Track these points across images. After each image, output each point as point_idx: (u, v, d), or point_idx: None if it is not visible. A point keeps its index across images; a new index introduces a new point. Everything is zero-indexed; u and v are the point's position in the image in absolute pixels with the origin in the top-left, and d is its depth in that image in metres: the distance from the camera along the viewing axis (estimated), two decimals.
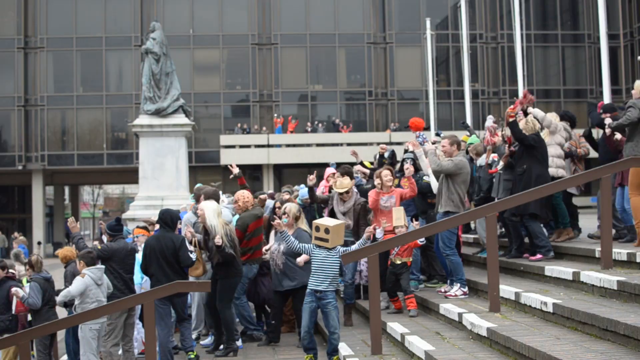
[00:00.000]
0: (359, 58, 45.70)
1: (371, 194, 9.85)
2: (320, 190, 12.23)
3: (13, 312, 10.62)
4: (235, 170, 10.81)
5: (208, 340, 10.30)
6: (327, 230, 8.13)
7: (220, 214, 9.42)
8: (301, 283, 9.18)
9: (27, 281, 10.75)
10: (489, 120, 12.32)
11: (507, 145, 10.37)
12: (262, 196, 12.23)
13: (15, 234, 37.63)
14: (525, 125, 9.87)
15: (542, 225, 10.05)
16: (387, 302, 9.90)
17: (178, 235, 9.51)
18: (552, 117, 10.69)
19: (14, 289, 10.14)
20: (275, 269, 9.56)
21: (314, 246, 8.25)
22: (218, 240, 9.01)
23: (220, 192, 12.36)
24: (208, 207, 9.40)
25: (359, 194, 10.41)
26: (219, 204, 10.03)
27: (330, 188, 11.02)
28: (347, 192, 9.96)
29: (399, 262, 9.51)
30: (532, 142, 9.76)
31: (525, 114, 10.43)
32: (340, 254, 8.20)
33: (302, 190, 12.04)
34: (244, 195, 10.16)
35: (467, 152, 11.95)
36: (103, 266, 9.29)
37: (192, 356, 9.19)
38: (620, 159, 9.01)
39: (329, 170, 12.52)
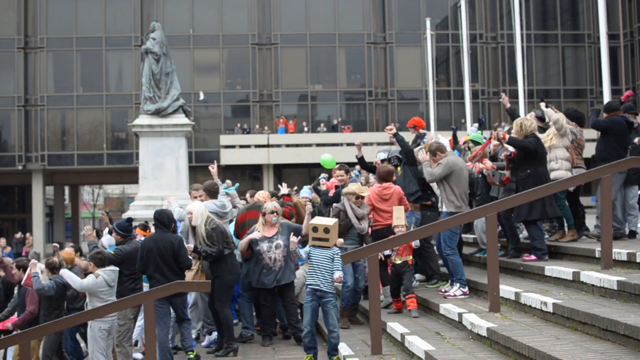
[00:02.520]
0: (359, 58, 45.70)
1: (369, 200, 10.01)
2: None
3: (22, 282, 10.46)
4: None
5: (213, 336, 10.26)
6: (326, 230, 8.15)
7: (203, 215, 9.50)
8: (289, 280, 9.68)
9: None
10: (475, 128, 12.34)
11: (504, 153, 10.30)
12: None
13: (19, 234, 37.56)
14: (520, 130, 9.80)
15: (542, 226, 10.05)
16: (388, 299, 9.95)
17: (176, 235, 9.52)
18: (562, 119, 10.58)
19: (33, 261, 10.09)
20: (270, 265, 9.57)
21: (311, 247, 8.26)
22: (190, 247, 9.33)
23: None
24: (195, 208, 9.55)
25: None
26: (216, 199, 10.40)
27: (336, 187, 11.01)
28: (362, 197, 9.97)
29: (399, 261, 9.54)
30: (536, 146, 9.69)
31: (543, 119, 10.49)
32: (337, 251, 8.26)
33: (303, 190, 12.04)
34: (263, 194, 10.83)
35: (469, 149, 11.93)
36: (117, 268, 9.27)
37: (192, 356, 9.18)
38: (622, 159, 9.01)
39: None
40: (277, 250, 9.52)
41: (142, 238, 10.61)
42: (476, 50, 44.24)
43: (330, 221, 8.40)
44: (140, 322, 10.31)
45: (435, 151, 9.86)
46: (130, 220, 10.01)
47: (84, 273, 10.07)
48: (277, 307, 10.31)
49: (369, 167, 12.04)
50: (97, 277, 8.97)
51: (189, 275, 9.59)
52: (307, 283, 8.31)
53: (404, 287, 9.56)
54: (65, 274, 9.21)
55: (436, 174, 9.63)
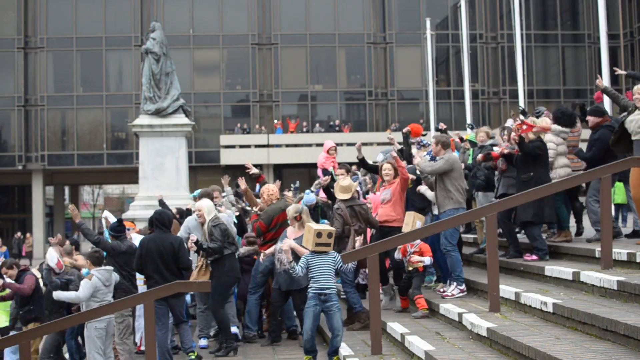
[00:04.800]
0: (359, 58, 45.69)
1: (372, 200, 9.95)
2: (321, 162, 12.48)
3: (54, 265, 10.21)
4: (254, 170, 11.08)
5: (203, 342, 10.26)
6: (329, 235, 8.07)
7: (211, 212, 9.57)
8: (301, 285, 9.41)
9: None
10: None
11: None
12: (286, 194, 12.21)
13: (19, 234, 37.56)
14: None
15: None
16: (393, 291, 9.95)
17: (176, 236, 9.50)
18: (548, 122, 10.54)
19: (53, 244, 10.09)
20: (277, 267, 9.57)
21: (309, 254, 8.13)
22: (191, 245, 9.18)
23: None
24: (204, 206, 9.61)
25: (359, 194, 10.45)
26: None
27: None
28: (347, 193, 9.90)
29: (411, 268, 9.57)
30: (539, 150, 9.67)
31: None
32: (335, 254, 8.19)
33: (308, 196, 11.88)
34: (268, 188, 10.45)
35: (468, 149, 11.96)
36: (111, 267, 9.27)
37: (193, 357, 9.15)
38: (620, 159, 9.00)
39: (328, 144, 12.80)
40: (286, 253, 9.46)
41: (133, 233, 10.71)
42: (476, 50, 44.21)
43: (328, 227, 8.41)
44: (138, 322, 10.30)
45: (438, 143, 9.90)
46: (120, 220, 10.05)
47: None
48: (288, 312, 10.32)
49: (369, 168, 12.00)
50: (91, 278, 8.96)
51: (193, 273, 9.63)
52: (311, 289, 8.20)
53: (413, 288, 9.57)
54: (57, 295, 9.20)
55: (436, 167, 9.67)
